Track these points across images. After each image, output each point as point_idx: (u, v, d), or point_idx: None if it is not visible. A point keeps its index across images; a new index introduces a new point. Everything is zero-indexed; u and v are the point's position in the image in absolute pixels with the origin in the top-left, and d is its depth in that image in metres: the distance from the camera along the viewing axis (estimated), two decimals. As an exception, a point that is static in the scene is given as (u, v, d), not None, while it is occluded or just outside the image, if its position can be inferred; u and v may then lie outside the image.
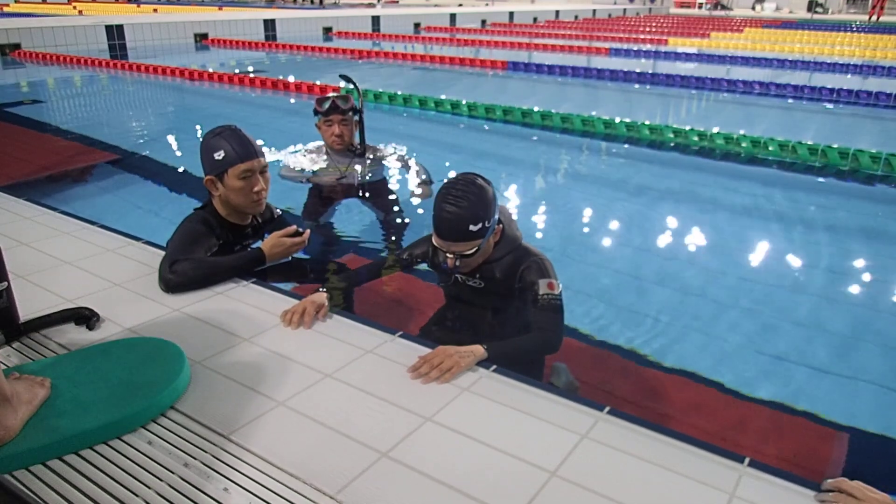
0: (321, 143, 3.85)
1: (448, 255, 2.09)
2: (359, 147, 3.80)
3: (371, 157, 3.87)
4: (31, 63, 10.51)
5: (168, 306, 2.15)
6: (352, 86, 3.89)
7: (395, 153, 4.06)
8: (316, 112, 3.68)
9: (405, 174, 4.07)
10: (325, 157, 3.79)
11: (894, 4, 27.82)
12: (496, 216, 2.11)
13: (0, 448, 1.43)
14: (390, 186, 3.98)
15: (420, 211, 3.82)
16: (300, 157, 3.86)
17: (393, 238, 3.62)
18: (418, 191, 3.92)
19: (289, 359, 1.86)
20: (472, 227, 2.02)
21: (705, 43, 14.60)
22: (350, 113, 3.68)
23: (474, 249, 2.06)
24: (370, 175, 3.86)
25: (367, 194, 3.83)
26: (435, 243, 2.11)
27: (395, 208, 3.81)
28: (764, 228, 3.95)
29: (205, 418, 1.60)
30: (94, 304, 2.09)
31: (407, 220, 3.73)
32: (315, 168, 3.77)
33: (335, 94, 3.66)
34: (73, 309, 2.05)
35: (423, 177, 3.97)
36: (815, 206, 4.50)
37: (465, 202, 2.00)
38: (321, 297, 2.12)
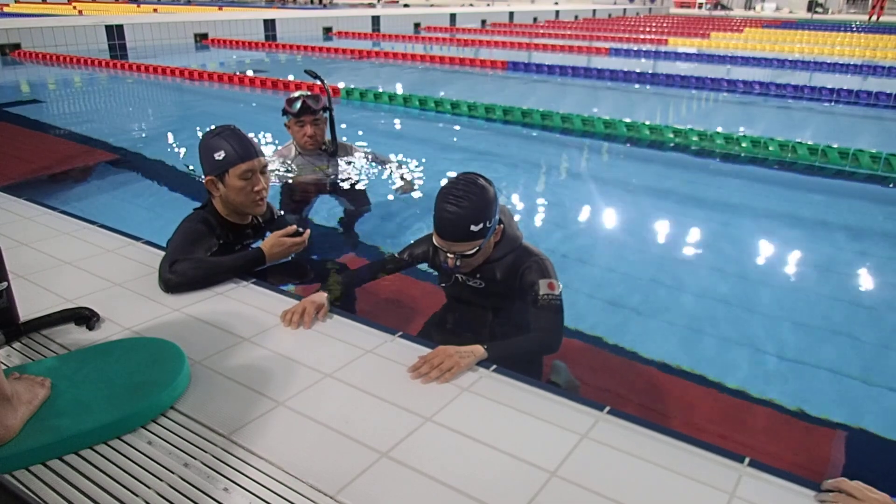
0: (290, 143, 3.77)
1: (449, 254, 2.09)
2: (330, 145, 3.75)
3: (345, 155, 3.84)
4: (31, 63, 10.51)
5: (168, 306, 2.15)
6: (320, 82, 3.84)
7: (369, 152, 4.04)
8: (285, 112, 3.60)
9: (381, 170, 4.06)
10: (296, 156, 3.72)
11: (894, 4, 27.81)
12: (497, 216, 2.11)
13: (0, 448, 1.43)
14: (363, 180, 3.94)
15: (415, 209, 3.82)
16: (273, 160, 3.78)
17: (355, 226, 3.65)
18: (399, 184, 3.92)
19: (289, 359, 1.86)
20: (473, 228, 2.01)
21: (705, 43, 14.59)
22: (321, 112, 3.62)
23: (475, 249, 2.06)
24: (353, 174, 3.85)
25: (341, 190, 3.81)
26: (436, 243, 2.11)
27: (366, 200, 3.81)
28: (764, 228, 3.95)
29: (205, 418, 1.60)
30: (94, 304, 2.09)
31: (372, 210, 3.76)
32: (292, 169, 3.72)
33: (305, 94, 3.58)
34: (73, 309, 2.05)
35: (402, 171, 3.96)
36: (815, 206, 4.50)
37: (466, 202, 2.00)
38: (321, 297, 2.12)
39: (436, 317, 2.44)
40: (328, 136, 3.79)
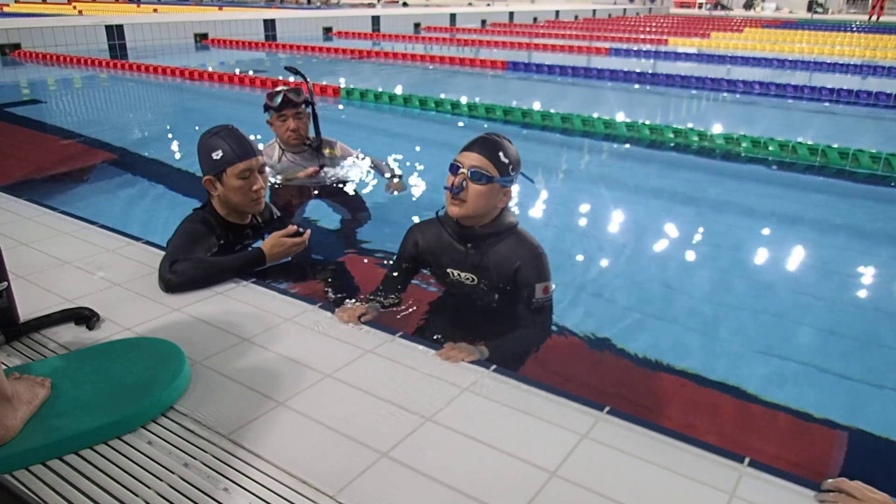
0: (273, 141, 3.68)
1: (460, 171, 2.09)
2: (314, 140, 3.68)
3: (329, 149, 3.75)
4: (31, 63, 10.50)
5: (168, 306, 2.15)
6: (301, 78, 3.78)
7: (356, 151, 3.95)
8: (267, 108, 3.53)
9: (372, 170, 3.96)
10: (281, 157, 3.64)
11: (894, 4, 27.81)
12: (514, 181, 2.18)
13: (0, 448, 1.43)
14: (354, 182, 3.85)
15: (414, 207, 3.81)
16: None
17: (358, 236, 3.57)
18: (394, 182, 3.83)
19: (289, 359, 1.86)
20: (501, 156, 2.10)
21: (705, 43, 14.59)
22: (303, 106, 3.55)
23: (485, 179, 2.07)
24: (342, 175, 3.76)
25: (334, 194, 3.72)
26: (455, 160, 2.13)
27: (364, 206, 3.71)
28: (763, 228, 3.95)
29: (205, 418, 1.60)
30: (94, 304, 2.09)
31: (371, 216, 3.68)
32: (277, 169, 3.64)
33: (286, 88, 3.51)
34: (73, 309, 2.05)
35: (393, 171, 3.89)
36: (815, 206, 4.50)
37: (508, 142, 2.16)
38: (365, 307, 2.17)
39: (431, 313, 2.45)
40: (312, 133, 3.69)
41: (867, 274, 3.38)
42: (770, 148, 5.41)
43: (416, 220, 3.37)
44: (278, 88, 3.52)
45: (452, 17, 19.19)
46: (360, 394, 1.71)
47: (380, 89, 7.42)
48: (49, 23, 12.24)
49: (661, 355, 2.54)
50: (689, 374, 2.44)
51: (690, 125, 5.93)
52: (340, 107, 7.23)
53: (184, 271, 2.25)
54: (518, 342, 2.16)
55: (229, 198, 2.45)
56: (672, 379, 2.43)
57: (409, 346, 1.95)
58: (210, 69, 9.43)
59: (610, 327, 2.74)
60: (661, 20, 21.75)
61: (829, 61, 11.33)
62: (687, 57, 12.72)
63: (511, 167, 2.13)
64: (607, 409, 1.66)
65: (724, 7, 30.64)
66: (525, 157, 2.23)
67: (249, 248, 2.58)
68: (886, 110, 7.68)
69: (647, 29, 17.82)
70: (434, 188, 4.10)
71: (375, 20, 17.01)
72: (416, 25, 17.92)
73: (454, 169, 2.12)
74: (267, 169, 3.60)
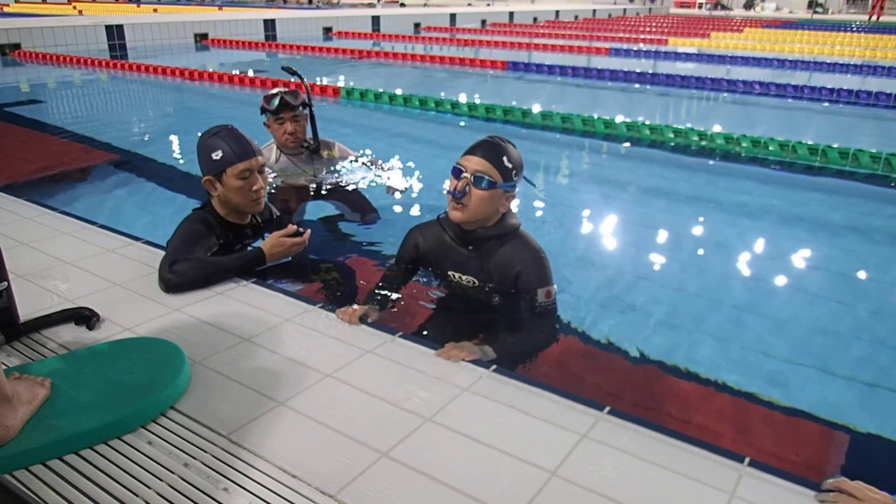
0: (271, 143, 3.64)
1: (462, 175, 2.08)
2: (312, 142, 3.65)
3: (327, 151, 3.71)
4: (31, 63, 10.50)
5: (168, 306, 2.15)
6: (298, 78, 3.75)
7: (361, 154, 3.91)
8: (264, 110, 3.50)
9: (371, 170, 3.93)
10: (278, 159, 3.61)
11: (894, 4, 27.81)
12: (516, 187, 2.17)
13: (0, 448, 1.43)
14: (354, 182, 3.81)
15: (414, 207, 3.81)
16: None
17: (359, 236, 3.51)
18: (394, 182, 3.80)
19: (289, 359, 1.86)
20: (505, 160, 2.09)
21: (705, 43, 14.59)
22: (301, 108, 3.52)
23: (487, 183, 2.06)
24: (341, 176, 3.73)
25: (337, 195, 3.69)
26: (457, 164, 2.12)
27: (370, 206, 3.66)
28: (764, 228, 3.94)
29: (205, 418, 1.60)
30: (94, 304, 2.09)
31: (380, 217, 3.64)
32: (275, 171, 3.61)
33: (283, 90, 3.47)
34: (73, 309, 2.05)
35: (390, 169, 3.85)
36: (815, 206, 4.50)
37: (511, 146, 2.14)
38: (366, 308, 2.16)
39: (432, 316, 2.45)
40: (309, 134, 3.67)
41: (867, 274, 3.38)
42: (770, 148, 5.41)
43: (416, 220, 3.37)
44: (275, 91, 3.48)
45: (452, 17, 19.19)
46: (360, 394, 1.71)
47: (380, 89, 7.42)
48: (49, 23, 12.23)
49: (661, 355, 2.54)
50: (689, 373, 2.44)
51: (690, 125, 5.93)
52: (340, 107, 7.23)
53: (184, 271, 2.25)
54: (524, 344, 2.15)
55: (229, 198, 2.45)
56: (672, 379, 2.43)
57: (409, 346, 1.94)
58: (210, 69, 9.42)
59: (610, 327, 2.74)
60: (661, 20, 21.74)
61: (829, 61, 11.33)
62: (687, 57, 12.72)
63: (514, 172, 2.12)
64: (607, 409, 1.66)
65: (724, 7, 30.64)
66: (525, 157, 2.23)
67: (249, 248, 2.58)
68: (886, 110, 7.68)
69: (647, 29, 17.82)
70: (434, 188, 4.10)
71: (375, 20, 17.01)
72: (416, 25, 17.92)
73: (457, 173, 2.11)
74: (267, 169, 3.61)
